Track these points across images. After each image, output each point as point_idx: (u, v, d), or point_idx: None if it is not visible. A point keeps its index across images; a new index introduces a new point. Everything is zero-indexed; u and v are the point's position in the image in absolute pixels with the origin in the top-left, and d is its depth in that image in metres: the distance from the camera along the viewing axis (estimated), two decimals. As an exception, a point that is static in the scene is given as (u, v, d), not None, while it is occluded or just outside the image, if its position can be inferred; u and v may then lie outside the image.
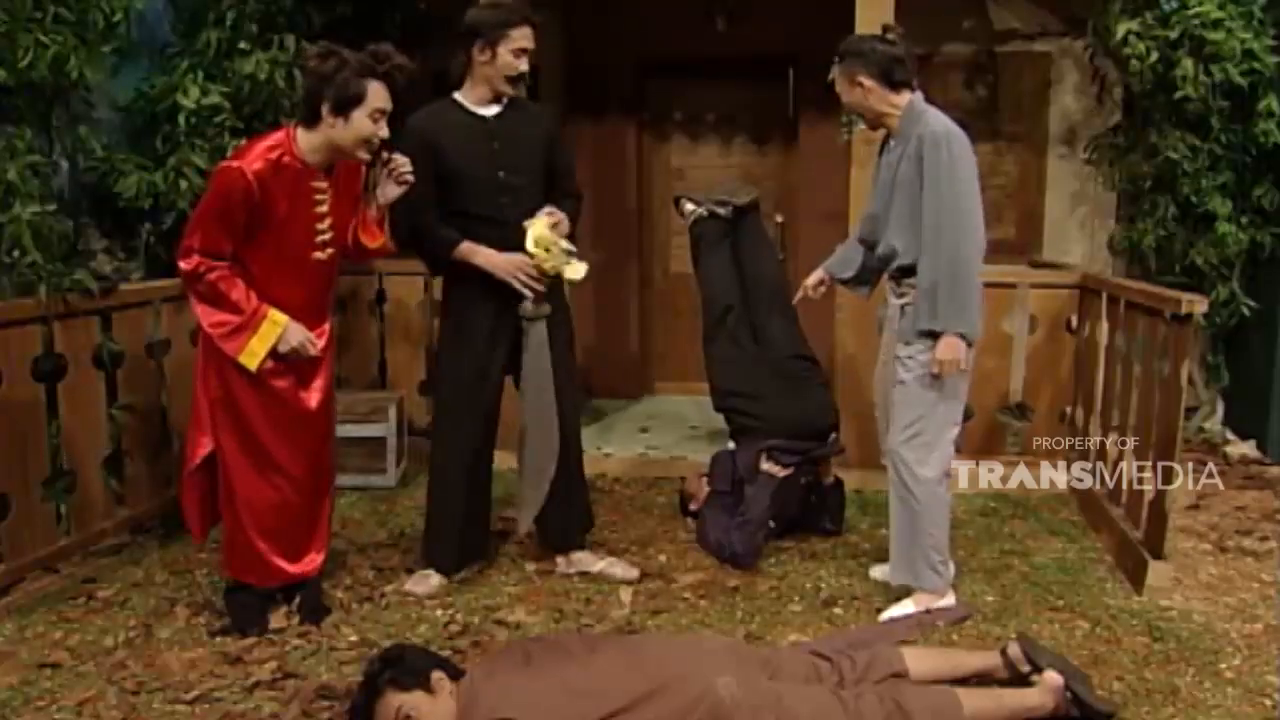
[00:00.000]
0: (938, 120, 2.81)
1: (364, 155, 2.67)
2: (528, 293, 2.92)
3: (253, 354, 2.65)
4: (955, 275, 2.73)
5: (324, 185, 2.70)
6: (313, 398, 2.82)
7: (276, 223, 2.62)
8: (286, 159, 2.62)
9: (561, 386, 3.08)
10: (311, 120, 2.62)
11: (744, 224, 3.75)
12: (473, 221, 2.96)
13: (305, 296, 2.75)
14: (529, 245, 2.87)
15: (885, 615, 2.91)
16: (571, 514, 3.25)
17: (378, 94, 2.59)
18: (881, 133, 2.98)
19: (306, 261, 2.72)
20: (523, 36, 2.92)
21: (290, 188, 2.62)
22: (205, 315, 2.64)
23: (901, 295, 2.93)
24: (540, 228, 2.87)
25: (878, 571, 3.19)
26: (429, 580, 3.12)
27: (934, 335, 2.77)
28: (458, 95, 3.02)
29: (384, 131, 2.65)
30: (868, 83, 2.83)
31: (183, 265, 2.62)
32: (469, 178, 2.96)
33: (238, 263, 2.65)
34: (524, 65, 2.95)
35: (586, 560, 3.25)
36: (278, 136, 2.67)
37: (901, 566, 2.93)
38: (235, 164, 2.58)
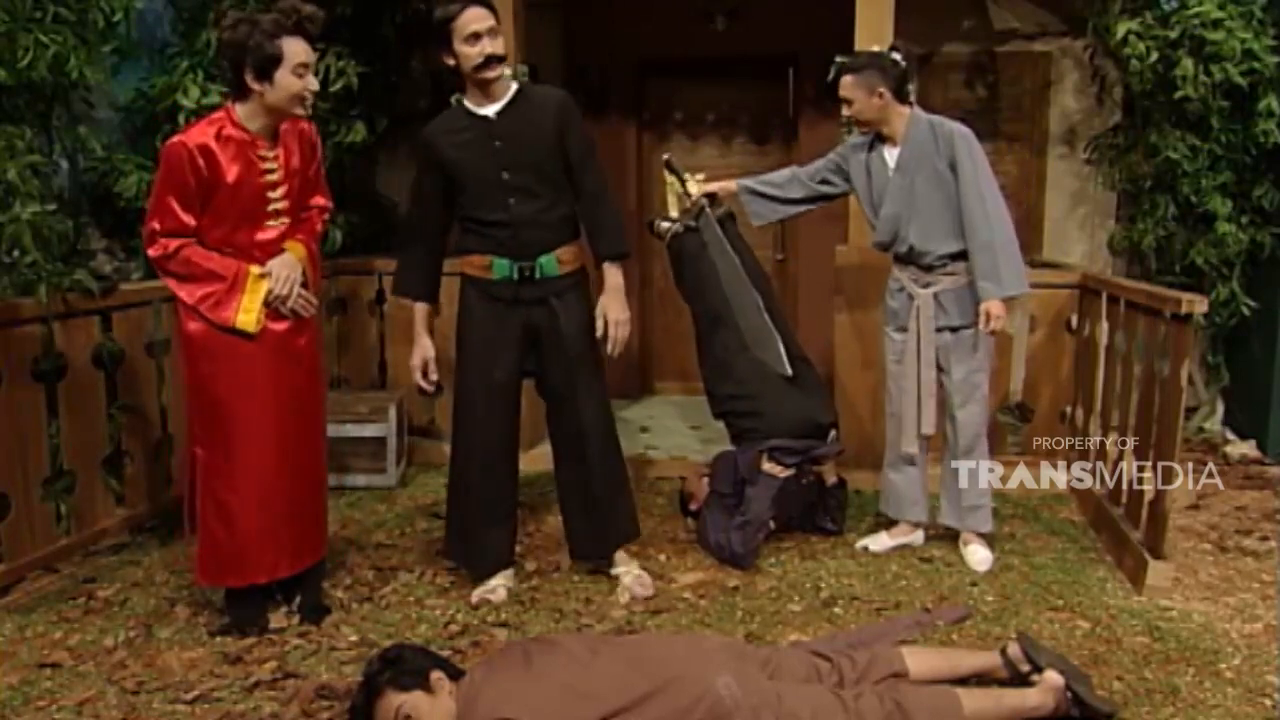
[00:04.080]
0: (947, 120, 3.20)
1: (300, 111, 2.68)
2: (428, 387, 3.07)
3: (249, 312, 2.65)
4: (1011, 242, 3.09)
5: (271, 154, 2.70)
6: (292, 384, 2.79)
7: (227, 191, 2.62)
8: (229, 130, 2.64)
9: (588, 382, 3.02)
10: (242, 91, 2.64)
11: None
12: (482, 225, 2.93)
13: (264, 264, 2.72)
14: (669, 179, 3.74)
15: (978, 558, 3.25)
16: (612, 519, 3.13)
17: (295, 50, 2.58)
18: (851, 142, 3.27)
19: (262, 230, 2.71)
20: (472, 19, 2.73)
21: (237, 155, 2.62)
22: (190, 293, 2.63)
23: (931, 284, 3.18)
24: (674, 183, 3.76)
25: (874, 544, 3.42)
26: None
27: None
28: (464, 98, 2.94)
29: (313, 84, 2.65)
30: (886, 94, 3.13)
31: (151, 252, 2.62)
32: (473, 180, 2.89)
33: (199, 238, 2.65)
34: (488, 48, 2.74)
35: (621, 559, 3.17)
36: (218, 114, 2.71)
37: (981, 517, 3.31)
38: (177, 139, 2.61)
